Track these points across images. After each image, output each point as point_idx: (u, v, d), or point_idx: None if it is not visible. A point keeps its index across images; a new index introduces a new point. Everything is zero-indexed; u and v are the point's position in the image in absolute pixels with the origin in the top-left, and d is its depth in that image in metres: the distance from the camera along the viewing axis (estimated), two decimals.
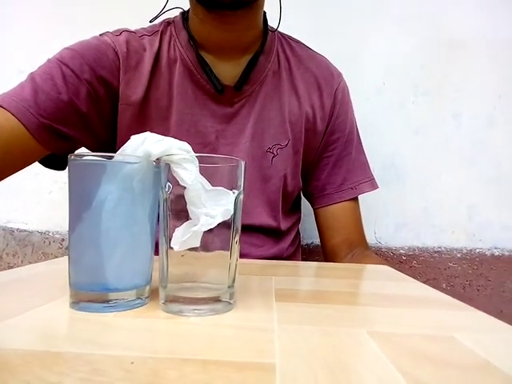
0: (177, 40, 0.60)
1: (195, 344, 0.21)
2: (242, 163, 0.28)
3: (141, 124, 0.58)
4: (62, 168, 0.60)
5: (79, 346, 0.20)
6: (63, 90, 0.53)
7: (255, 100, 0.61)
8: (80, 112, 0.55)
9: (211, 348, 0.21)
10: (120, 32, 0.59)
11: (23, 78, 0.54)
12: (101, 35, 0.59)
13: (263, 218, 0.63)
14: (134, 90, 0.57)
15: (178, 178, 0.26)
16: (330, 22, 0.88)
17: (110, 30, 0.60)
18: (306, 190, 0.70)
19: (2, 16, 0.90)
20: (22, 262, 0.90)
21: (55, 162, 0.59)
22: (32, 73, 0.55)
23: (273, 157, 0.62)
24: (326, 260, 0.70)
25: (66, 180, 0.28)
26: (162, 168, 0.28)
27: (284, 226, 0.66)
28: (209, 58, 0.59)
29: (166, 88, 0.59)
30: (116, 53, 0.57)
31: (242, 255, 0.31)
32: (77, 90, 0.54)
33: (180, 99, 0.59)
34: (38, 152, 0.55)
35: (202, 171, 0.27)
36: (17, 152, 0.52)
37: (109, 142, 0.60)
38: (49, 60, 0.56)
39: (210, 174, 0.27)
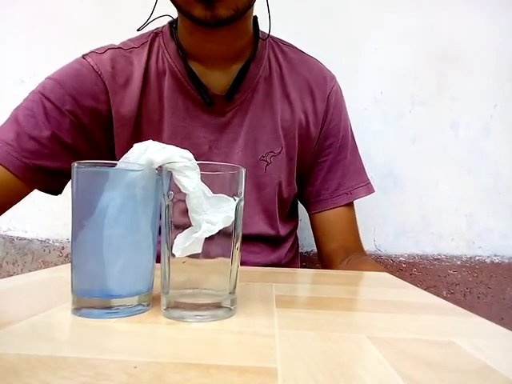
0: (165, 51, 0.59)
1: (197, 349, 0.22)
2: (243, 170, 0.29)
3: (136, 140, 0.57)
4: (58, 192, 0.60)
5: (82, 351, 0.20)
6: (45, 126, 0.53)
7: (247, 108, 0.61)
8: (65, 144, 0.55)
9: (213, 353, 0.21)
10: (104, 50, 0.59)
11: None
12: (84, 56, 0.58)
13: (261, 227, 0.63)
14: (127, 107, 0.57)
15: (179, 186, 0.27)
16: (327, 31, 0.89)
17: (96, 48, 0.59)
18: (301, 195, 0.70)
19: (3, 26, 0.92)
20: (21, 270, 0.90)
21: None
22: (16, 108, 0.55)
23: (266, 165, 0.62)
24: (323, 266, 0.69)
25: (67, 187, 0.28)
26: (164, 175, 0.28)
27: (283, 232, 0.66)
28: (198, 68, 0.59)
29: (156, 101, 0.58)
30: (99, 75, 0.56)
31: (240, 263, 0.31)
32: (59, 123, 0.54)
33: (171, 112, 0.59)
34: (26, 191, 0.55)
35: (204, 178, 0.27)
36: (3, 194, 0.53)
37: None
38: (32, 92, 0.55)
39: (211, 182, 0.27)
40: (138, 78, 0.58)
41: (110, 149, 0.60)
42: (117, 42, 0.61)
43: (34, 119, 0.53)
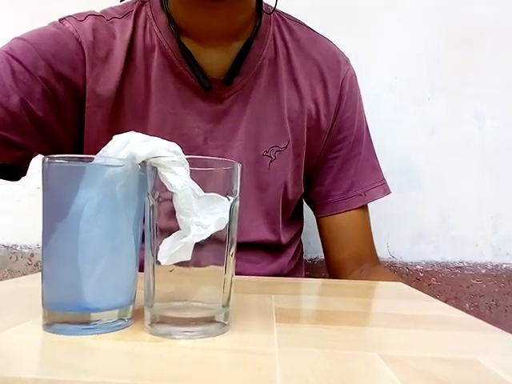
0: (154, 24, 0.58)
1: (185, 370, 0.22)
2: (238, 166, 0.29)
3: (113, 127, 0.56)
4: (16, 178, 0.59)
5: (55, 372, 0.20)
6: (13, 90, 0.51)
7: (249, 94, 0.60)
8: (35, 116, 0.53)
9: (204, 374, 0.21)
10: (85, 16, 0.57)
11: None
12: (61, 21, 0.56)
13: (261, 233, 0.63)
14: (104, 86, 0.56)
15: (166, 183, 0.27)
16: (337, 9, 0.89)
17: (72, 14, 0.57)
18: (308, 196, 0.70)
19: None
20: None
21: (9, 170, 0.58)
22: None
23: (270, 161, 0.62)
24: (331, 276, 0.70)
25: (37, 185, 0.28)
26: (148, 172, 0.28)
27: (285, 238, 0.66)
28: (192, 46, 0.57)
29: (142, 82, 0.57)
30: (79, 43, 0.55)
31: (236, 273, 0.31)
32: (30, 89, 0.52)
33: (159, 96, 0.57)
34: None
35: (193, 175, 0.27)
36: None
37: (72, 151, 0.58)
38: None
39: (202, 179, 0.27)
40: (120, 53, 0.56)
41: (80, 137, 0.59)
42: (97, 9, 0.59)
43: (0, 81, 0.51)
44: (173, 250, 0.27)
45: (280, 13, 0.65)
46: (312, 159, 0.66)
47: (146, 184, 0.29)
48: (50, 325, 0.27)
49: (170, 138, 0.30)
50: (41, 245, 0.28)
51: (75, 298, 0.27)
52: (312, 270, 0.89)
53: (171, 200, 0.27)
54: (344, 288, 0.50)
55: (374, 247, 0.69)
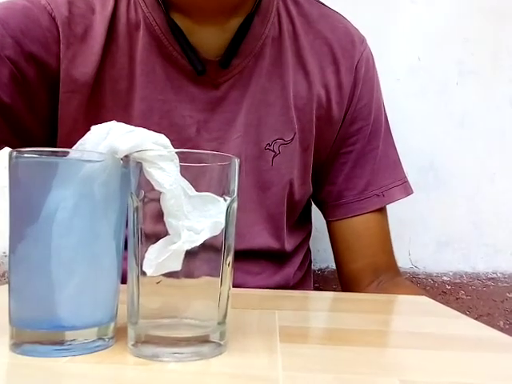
0: None
1: None
2: (236, 161, 0.29)
3: (92, 116, 0.57)
4: None
5: None
6: None
7: (248, 79, 0.61)
8: (1, 102, 0.53)
9: None
10: None
11: None
12: None
13: (262, 240, 0.63)
14: (81, 69, 0.56)
15: (152, 181, 0.27)
16: None
17: None
18: (318, 196, 0.70)
19: None
20: None
21: None
22: None
23: (274, 156, 0.62)
24: (344, 289, 0.70)
25: (3, 183, 0.28)
26: (131, 168, 0.28)
27: (290, 245, 0.66)
28: (184, 23, 0.57)
29: (125, 65, 0.57)
30: (53, 19, 0.55)
31: (234, 285, 0.31)
32: None
33: (145, 80, 0.58)
34: None
35: (184, 172, 0.27)
36: None
37: (44, 144, 0.58)
38: None
39: (195, 176, 0.27)
40: (100, 31, 0.56)
41: (54, 126, 0.59)
42: None
43: None
44: (160, 258, 0.27)
45: None
46: (322, 154, 0.67)
47: (129, 182, 0.28)
48: (19, 345, 0.27)
49: (157, 128, 0.30)
50: (7, 252, 0.28)
51: (47, 314, 0.27)
52: (322, 281, 0.89)
53: (158, 201, 0.27)
54: (358, 303, 0.50)
55: (393, 256, 0.69)
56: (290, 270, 0.66)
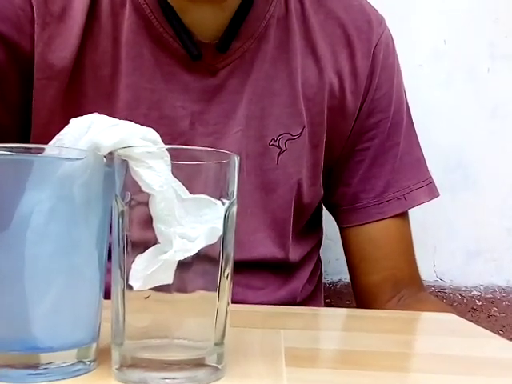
0: None
1: None
2: (236, 159, 0.29)
3: (71, 107, 0.57)
4: None
5: None
6: None
7: (250, 65, 0.61)
8: None
9: None
10: None
11: None
12: None
13: (266, 249, 0.63)
14: (58, 53, 0.56)
15: (140, 182, 0.27)
16: None
17: None
18: (330, 199, 0.71)
19: None
20: None
21: None
22: None
23: (279, 153, 0.62)
24: (359, 305, 0.70)
25: None
26: (116, 167, 0.28)
27: (297, 255, 0.66)
28: (176, 1, 0.57)
29: (108, 48, 0.57)
30: None
31: (234, 301, 0.31)
32: None
33: (132, 66, 0.58)
34: None
35: (177, 171, 0.27)
36: None
37: (16, 139, 0.59)
38: None
39: (189, 176, 0.28)
40: (80, 9, 0.56)
41: (28, 117, 0.59)
42: None
43: None
44: (149, 270, 0.27)
45: None
46: (335, 151, 0.67)
47: (113, 183, 0.28)
48: None
49: (145, 121, 0.30)
50: None
51: (20, 334, 0.27)
52: (334, 296, 0.89)
53: (147, 204, 0.27)
54: (376, 321, 0.50)
55: (416, 267, 0.69)
56: (298, 283, 0.66)
